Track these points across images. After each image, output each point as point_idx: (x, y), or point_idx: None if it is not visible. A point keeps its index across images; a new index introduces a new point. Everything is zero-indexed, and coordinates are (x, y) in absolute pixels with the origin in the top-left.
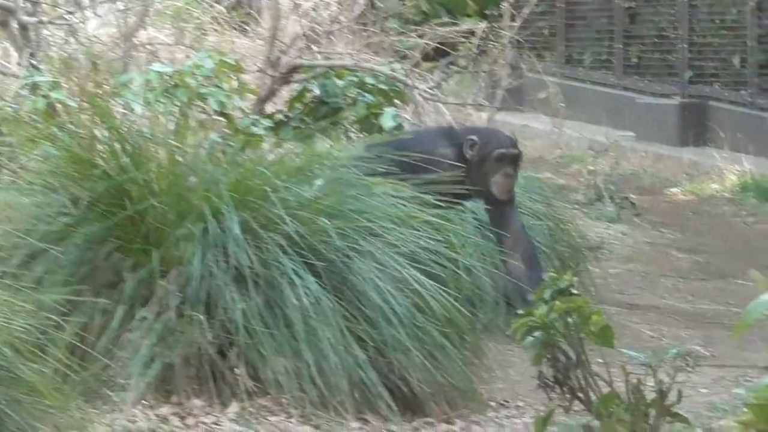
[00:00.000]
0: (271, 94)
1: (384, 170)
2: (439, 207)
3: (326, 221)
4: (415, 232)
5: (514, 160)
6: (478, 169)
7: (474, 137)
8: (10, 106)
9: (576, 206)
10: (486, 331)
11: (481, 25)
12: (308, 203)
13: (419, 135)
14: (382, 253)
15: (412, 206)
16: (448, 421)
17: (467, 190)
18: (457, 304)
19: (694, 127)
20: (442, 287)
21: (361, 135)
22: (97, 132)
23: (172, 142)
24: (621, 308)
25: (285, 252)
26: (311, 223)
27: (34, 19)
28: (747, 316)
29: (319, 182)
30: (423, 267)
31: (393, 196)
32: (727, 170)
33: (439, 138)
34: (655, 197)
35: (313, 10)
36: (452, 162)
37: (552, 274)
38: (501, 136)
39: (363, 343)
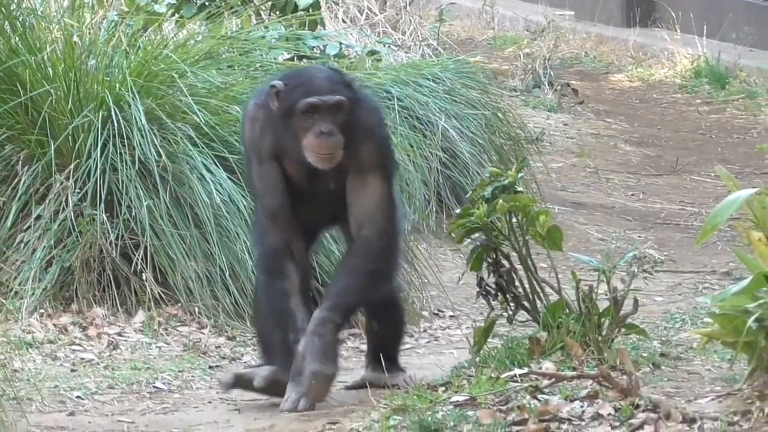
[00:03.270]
0: None
1: None
2: None
3: (239, 110)
4: None
5: (331, 112)
6: (287, 128)
7: (278, 82)
8: None
9: (513, 93)
10: (416, 232)
11: None
12: (218, 90)
13: None
14: None
15: None
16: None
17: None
18: None
19: (641, 6)
20: None
21: (274, 14)
22: None
23: (67, 21)
24: (565, 207)
25: (194, 144)
26: (222, 113)
27: None
28: (713, 218)
29: None
30: None
31: None
32: (678, 54)
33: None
34: (598, 84)
35: None
36: (254, 120)
37: (493, 169)
38: (317, 77)
39: None
